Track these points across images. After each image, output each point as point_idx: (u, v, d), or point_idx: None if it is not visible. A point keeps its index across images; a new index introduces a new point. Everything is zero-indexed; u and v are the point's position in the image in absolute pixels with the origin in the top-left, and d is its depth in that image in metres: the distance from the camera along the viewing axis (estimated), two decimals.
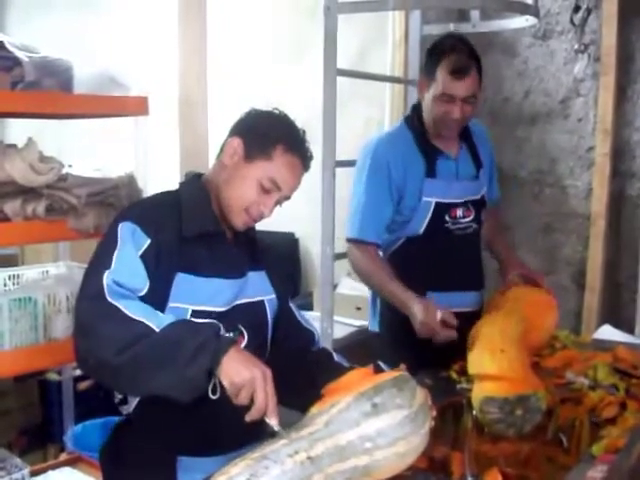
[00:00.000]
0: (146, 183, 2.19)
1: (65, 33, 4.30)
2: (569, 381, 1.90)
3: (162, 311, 1.42)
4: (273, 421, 1.27)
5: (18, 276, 2.38)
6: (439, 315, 1.91)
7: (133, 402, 1.56)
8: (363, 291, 2.83)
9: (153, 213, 1.52)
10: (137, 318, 1.31)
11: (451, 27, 3.17)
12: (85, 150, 3.99)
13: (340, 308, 3.01)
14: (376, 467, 1.24)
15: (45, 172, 1.91)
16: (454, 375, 1.95)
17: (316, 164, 1.70)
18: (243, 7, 4.05)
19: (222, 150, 1.59)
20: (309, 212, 2.91)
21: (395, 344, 2.17)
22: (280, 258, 3.05)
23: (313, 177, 1.76)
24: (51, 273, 2.38)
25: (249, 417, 1.27)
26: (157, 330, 1.29)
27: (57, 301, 2.07)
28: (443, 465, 1.44)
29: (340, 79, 2.66)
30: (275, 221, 1.70)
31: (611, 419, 1.65)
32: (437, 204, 2.17)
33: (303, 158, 1.55)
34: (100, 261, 1.42)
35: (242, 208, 1.53)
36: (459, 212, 2.19)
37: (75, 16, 4.52)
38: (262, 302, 1.62)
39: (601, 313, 3.07)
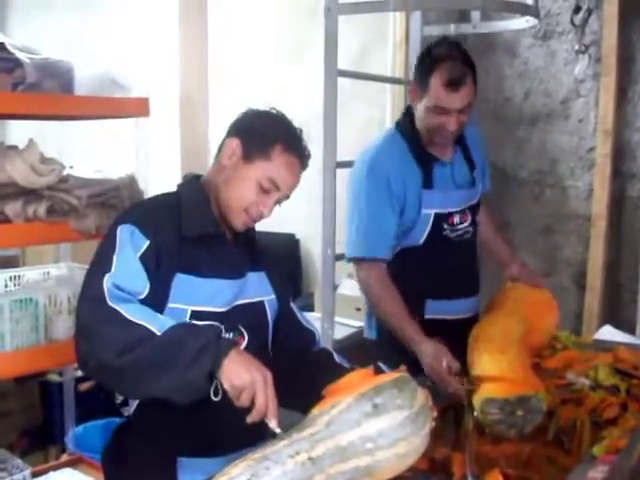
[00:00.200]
0: (147, 184, 2.19)
1: (66, 34, 4.31)
2: (570, 382, 1.90)
3: (162, 312, 1.42)
4: (273, 423, 1.28)
5: (19, 277, 2.38)
6: (445, 362, 1.79)
7: (134, 404, 1.56)
8: None
9: (152, 214, 1.51)
10: (137, 321, 1.31)
11: (452, 28, 3.18)
12: (86, 151, 4.02)
13: (341, 309, 3.01)
14: (377, 468, 1.24)
15: (46, 173, 1.91)
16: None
17: (317, 164, 1.70)
18: (244, 8, 4.05)
19: (220, 151, 1.58)
20: (310, 213, 2.91)
21: (392, 351, 2.14)
22: (281, 259, 3.05)
23: (313, 178, 1.76)
24: (52, 274, 2.38)
25: (250, 419, 1.28)
26: (158, 333, 1.29)
27: (58, 302, 2.07)
28: (444, 466, 1.45)
29: (341, 80, 2.67)
30: (276, 222, 1.70)
31: (612, 420, 1.65)
32: (436, 215, 2.12)
33: (301, 157, 1.55)
34: (100, 264, 1.42)
35: (241, 208, 1.53)
36: (456, 219, 2.15)
37: (76, 17, 4.53)
38: (262, 303, 1.61)
39: (602, 314, 3.08)
